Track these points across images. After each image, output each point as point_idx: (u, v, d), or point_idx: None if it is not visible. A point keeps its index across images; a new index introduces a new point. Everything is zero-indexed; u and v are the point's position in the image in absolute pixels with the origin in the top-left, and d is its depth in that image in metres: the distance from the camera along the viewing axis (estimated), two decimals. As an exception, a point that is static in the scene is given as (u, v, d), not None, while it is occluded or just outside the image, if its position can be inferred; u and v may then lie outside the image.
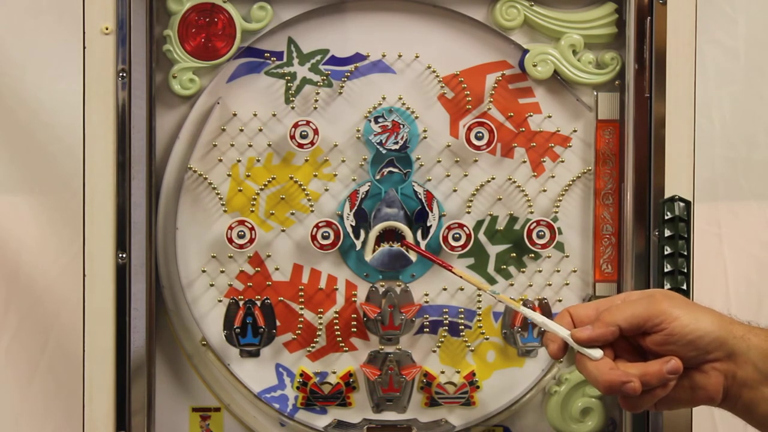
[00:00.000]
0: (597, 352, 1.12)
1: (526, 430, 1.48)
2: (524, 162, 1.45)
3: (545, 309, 1.45)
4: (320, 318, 1.45)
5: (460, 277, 1.29)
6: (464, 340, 1.46)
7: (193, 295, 1.45)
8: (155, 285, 1.41)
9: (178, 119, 1.43)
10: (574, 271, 1.46)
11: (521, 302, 1.19)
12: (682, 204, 1.39)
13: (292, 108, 1.44)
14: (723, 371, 1.12)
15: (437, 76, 1.44)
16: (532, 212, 1.45)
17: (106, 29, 1.36)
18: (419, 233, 1.44)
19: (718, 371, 1.12)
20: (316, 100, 1.43)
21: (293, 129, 1.41)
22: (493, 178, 1.45)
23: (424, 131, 1.44)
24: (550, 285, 1.46)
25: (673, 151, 1.39)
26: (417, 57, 1.44)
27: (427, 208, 1.44)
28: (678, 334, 1.11)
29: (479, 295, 1.45)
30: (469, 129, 1.42)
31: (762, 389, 1.13)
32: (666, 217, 1.39)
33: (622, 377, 1.10)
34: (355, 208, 1.43)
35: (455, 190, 1.45)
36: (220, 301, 1.45)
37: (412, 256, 1.43)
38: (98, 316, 1.38)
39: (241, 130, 1.43)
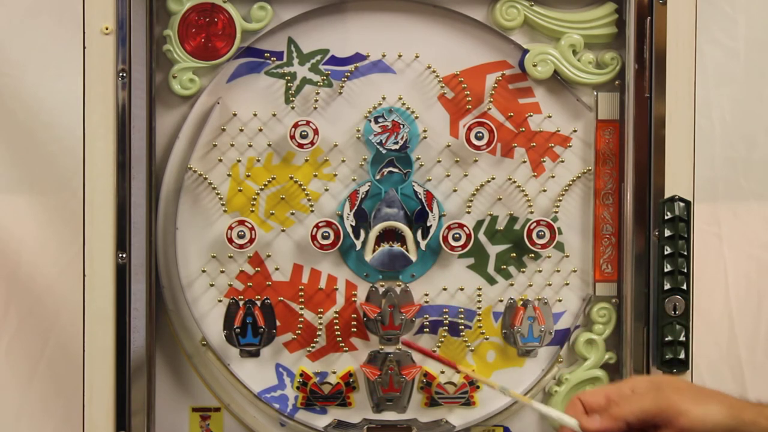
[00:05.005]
0: None
1: (526, 430, 1.48)
2: (524, 162, 1.45)
3: (545, 309, 1.45)
4: (320, 318, 1.45)
5: (469, 375, 1.31)
6: (464, 340, 1.46)
7: (193, 295, 1.45)
8: (155, 285, 1.41)
9: (178, 119, 1.43)
10: (574, 271, 1.46)
11: (534, 401, 1.20)
12: (682, 204, 1.39)
13: (292, 108, 1.44)
14: None
15: (437, 76, 1.44)
16: (532, 212, 1.45)
17: (106, 29, 1.36)
18: (419, 233, 1.43)
19: None
20: (316, 100, 1.43)
21: (293, 129, 1.41)
22: (493, 178, 1.45)
23: (424, 131, 1.44)
24: (550, 285, 1.46)
25: (673, 151, 1.39)
26: (417, 57, 1.43)
27: (427, 208, 1.44)
28: (688, 429, 1.10)
29: (479, 296, 1.45)
30: (469, 129, 1.42)
31: None
32: (666, 217, 1.39)
33: None
34: (355, 208, 1.43)
35: (455, 190, 1.45)
36: (220, 301, 1.45)
37: (412, 256, 1.43)
38: (98, 316, 1.38)
39: (241, 130, 1.43)
